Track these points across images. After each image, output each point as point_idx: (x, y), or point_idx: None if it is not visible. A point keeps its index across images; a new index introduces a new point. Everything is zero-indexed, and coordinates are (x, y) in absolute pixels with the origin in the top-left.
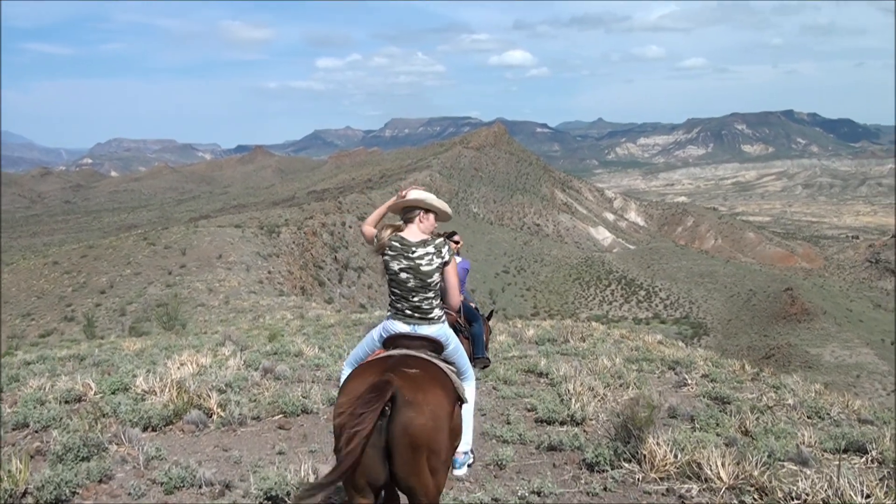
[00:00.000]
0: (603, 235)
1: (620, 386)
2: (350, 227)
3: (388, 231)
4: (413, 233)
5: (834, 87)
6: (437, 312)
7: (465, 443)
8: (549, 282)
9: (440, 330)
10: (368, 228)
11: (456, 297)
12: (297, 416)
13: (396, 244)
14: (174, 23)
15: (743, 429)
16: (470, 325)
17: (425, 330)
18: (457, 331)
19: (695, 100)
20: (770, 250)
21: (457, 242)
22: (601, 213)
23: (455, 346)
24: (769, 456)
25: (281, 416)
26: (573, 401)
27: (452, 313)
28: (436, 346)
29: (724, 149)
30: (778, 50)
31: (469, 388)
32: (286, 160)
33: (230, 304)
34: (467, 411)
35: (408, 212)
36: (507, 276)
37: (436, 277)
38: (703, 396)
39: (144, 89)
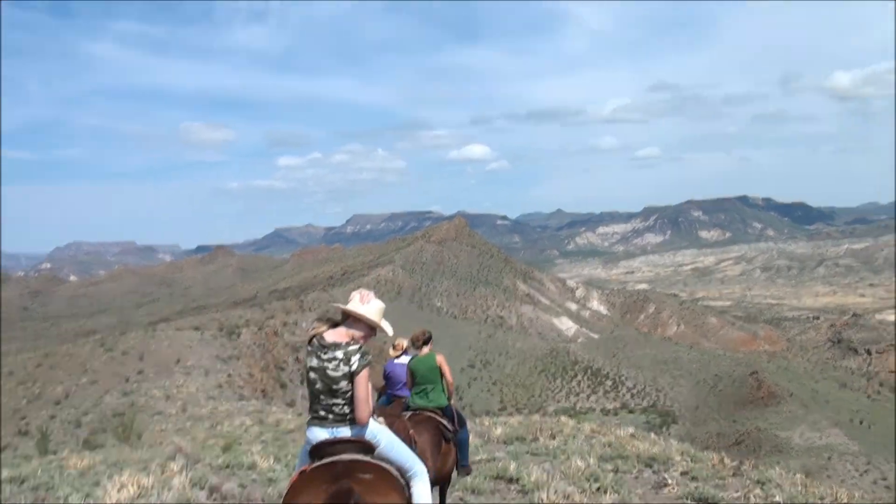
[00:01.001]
0: (566, 325)
1: (597, 490)
2: (312, 326)
3: (324, 327)
4: (336, 334)
5: (786, 171)
6: (351, 414)
7: None
8: (515, 375)
9: (362, 429)
10: None
11: (363, 411)
12: None
13: (316, 342)
14: (133, 126)
15: None
16: (458, 430)
17: (345, 432)
18: (444, 437)
19: (651, 188)
20: (732, 334)
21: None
22: (563, 303)
23: (388, 443)
24: None
25: None
26: None
27: (437, 417)
28: (364, 446)
29: (682, 235)
30: (730, 138)
31: (420, 486)
32: (247, 259)
33: (188, 411)
34: None
35: (347, 319)
36: (473, 370)
37: (343, 385)
38: (687, 498)
39: (104, 192)
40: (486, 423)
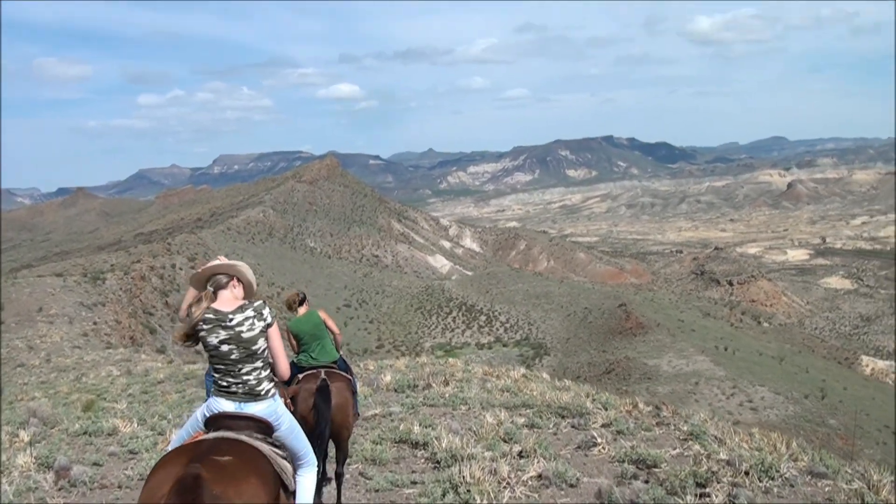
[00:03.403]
0: (441, 263)
1: (520, 456)
2: (181, 269)
3: (204, 304)
4: (226, 301)
5: (649, 113)
6: (265, 386)
7: None
8: (392, 313)
9: (269, 408)
10: (184, 312)
11: (284, 365)
12: None
13: (210, 316)
14: None
15: None
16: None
17: (252, 408)
18: (351, 389)
19: (520, 128)
20: (600, 268)
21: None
22: (438, 242)
23: (289, 427)
24: None
25: None
26: (474, 494)
27: (344, 374)
28: (263, 427)
29: (550, 174)
30: (595, 80)
31: (308, 477)
32: (111, 202)
33: (52, 362)
34: (306, 501)
35: (212, 282)
36: (349, 309)
37: (261, 343)
38: (624, 460)
39: None
40: (372, 368)
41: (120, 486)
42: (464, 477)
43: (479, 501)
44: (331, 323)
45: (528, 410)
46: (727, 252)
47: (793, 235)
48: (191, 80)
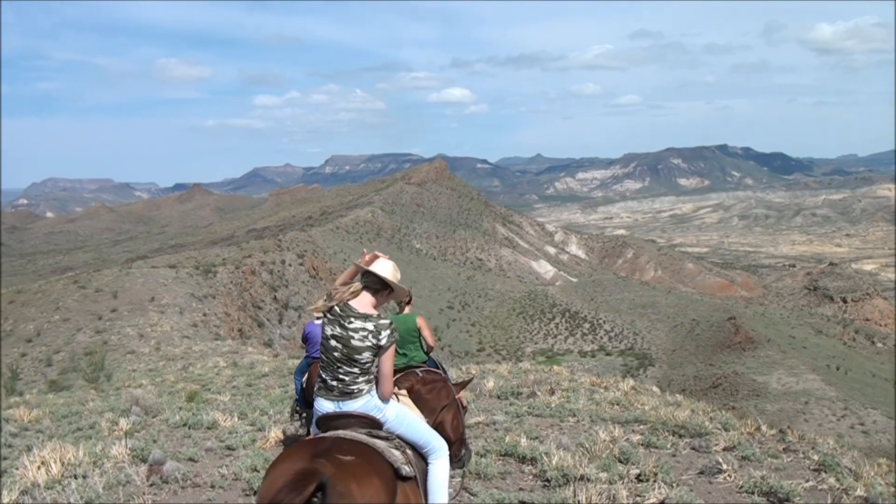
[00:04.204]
0: (545, 269)
1: (638, 479)
2: (290, 265)
3: (346, 295)
4: (363, 303)
5: (766, 122)
6: (360, 386)
7: None
8: (494, 316)
9: (367, 404)
10: (335, 288)
11: (387, 387)
12: None
13: (338, 309)
14: (110, 61)
15: None
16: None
17: (350, 406)
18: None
19: (631, 135)
20: (709, 280)
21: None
22: (542, 247)
23: (399, 417)
24: None
25: None
26: None
27: (440, 372)
28: (369, 422)
29: (661, 182)
30: (710, 87)
31: (438, 463)
32: (225, 198)
33: (161, 350)
34: (438, 490)
35: (366, 278)
36: (452, 311)
37: (365, 356)
38: (753, 492)
39: (80, 128)
40: (475, 372)
41: (213, 486)
42: (579, 501)
43: None
44: (426, 332)
45: (641, 427)
46: (842, 268)
47: None
48: (307, 83)
